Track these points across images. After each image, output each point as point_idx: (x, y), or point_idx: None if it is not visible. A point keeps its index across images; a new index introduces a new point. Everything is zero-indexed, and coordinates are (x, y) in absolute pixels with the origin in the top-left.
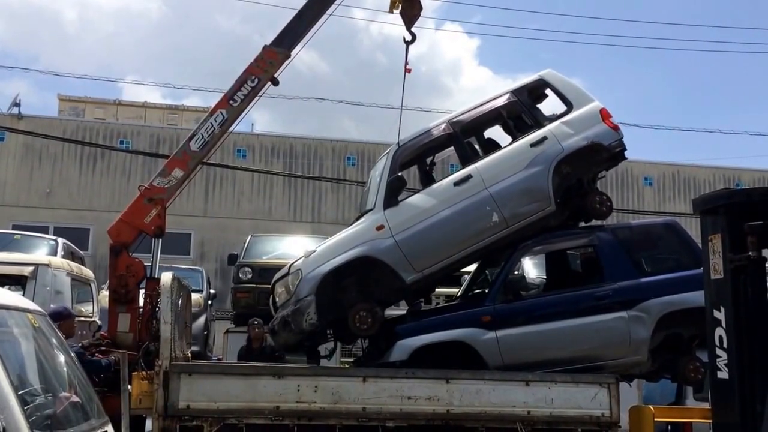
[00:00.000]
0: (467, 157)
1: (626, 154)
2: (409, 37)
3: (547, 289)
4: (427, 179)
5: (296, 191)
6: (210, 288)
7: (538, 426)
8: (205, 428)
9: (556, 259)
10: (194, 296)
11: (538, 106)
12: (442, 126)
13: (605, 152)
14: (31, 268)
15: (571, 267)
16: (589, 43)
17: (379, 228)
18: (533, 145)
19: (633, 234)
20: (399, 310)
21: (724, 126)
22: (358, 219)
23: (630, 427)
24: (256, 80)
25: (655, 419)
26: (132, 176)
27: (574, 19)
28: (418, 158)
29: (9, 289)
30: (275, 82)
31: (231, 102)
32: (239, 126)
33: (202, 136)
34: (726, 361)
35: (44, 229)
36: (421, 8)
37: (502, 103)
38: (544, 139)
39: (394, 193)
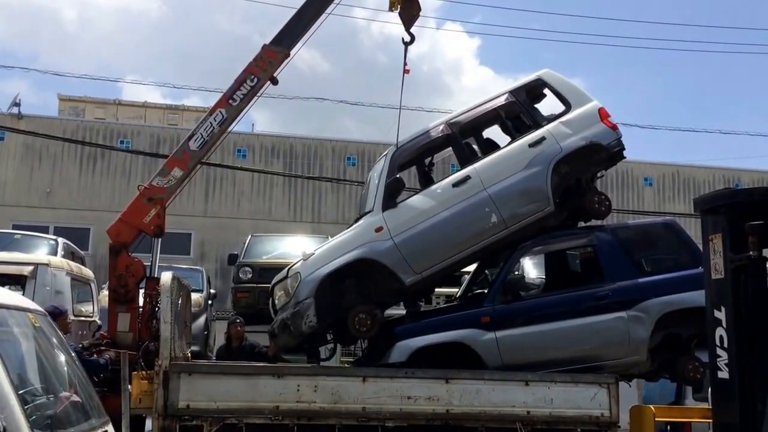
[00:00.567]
0: (466, 158)
1: (626, 154)
2: (408, 38)
3: (547, 289)
4: (426, 180)
5: (296, 191)
6: (210, 288)
7: (537, 426)
8: (204, 428)
9: (556, 260)
10: (194, 296)
11: (536, 106)
12: (441, 127)
13: (604, 152)
14: (30, 268)
15: (570, 267)
16: (590, 43)
17: (378, 230)
18: (532, 145)
19: (632, 234)
20: (399, 310)
21: (724, 126)
22: (356, 221)
23: (630, 427)
24: (256, 80)
25: (656, 419)
26: (132, 176)
27: (576, 19)
28: (417, 159)
29: (9, 288)
30: (275, 82)
31: (230, 101)
32: (239, 126)
33: (202, 136)
34: (726, 361)
35: (44, 229)
36: (420, 9)
37: (500, 104)
38: (542, 139)
39: (392, 195)
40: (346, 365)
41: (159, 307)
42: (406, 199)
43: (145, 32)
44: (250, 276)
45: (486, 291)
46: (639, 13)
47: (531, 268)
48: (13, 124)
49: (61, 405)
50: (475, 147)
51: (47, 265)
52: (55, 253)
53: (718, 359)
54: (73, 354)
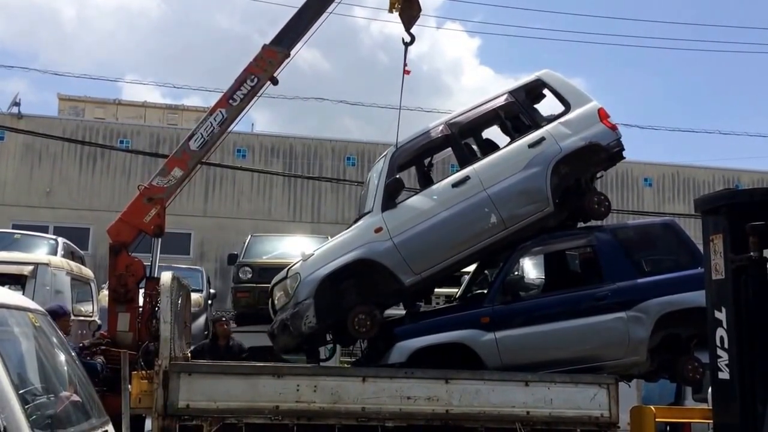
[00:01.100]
0: (465, 158)
1: (625, 154)
2: (408, 39)
3: (546, 290)
4: (426, 181)
5: (296, 191)
6: (210, 288)
7: (537, 426)
8: (204, 428)
9: (555, 260)
10: (194, 296)
11: (535, 106)
12: (440, 127)
13: (603, 152)
14: (30, 268)
15: (569, 267)
16: (590, 42)
17: (378, 230)
18: (531, 145)
19: (632, 234)
20: (398, 311)
21: (724, 127)
22: (356, 221)
23: (631, 427)
24: (256, 79)
25: (656, 419)
26: (132, 176)
27: (576, 19)
28: (416, 160)
29: (9, 288)
30: (275, 82)
31: (230, 101)
32: (239, 126)
33: (202, 136)
34: (727, 362)
35: (44, 229)
36: (420, 9)
37: (499, 104)
38: (542, 139)
39: (391, 196)
40: (346, 365)
41: (159, 307)
42: (405, 200)
43: (145, 31)
44: (249, 276)
45: (485, 291)
46: (639, 13)
47: (530, 269)
48: (13, 124)
49: (62, 404)
50: (475, 147)
51: (47, 264)
52: (55, 253)
53: (719, 360)
54: (73, 354)
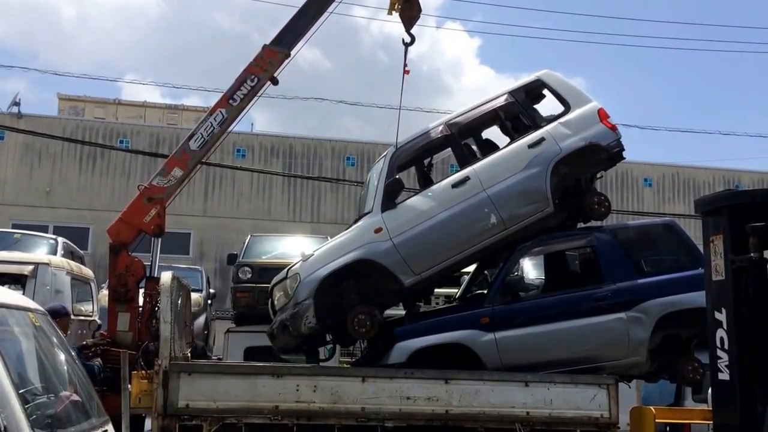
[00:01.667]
0: (465, 158)
1: (625, 154)
2: (408, 39)
3: (546, 290)
4: (426, 181)
5: (296, 191)
6: (210, 288)
7: (537, 427)
8: (204, 427)
9: (555, 260)
10: (194, 296)
11: (535, 106)
12: (440, 128)
13: (603, 153)
14: (30, 267)
15: (569, 268)
16: (590, 42)
17: (377, 231)
18: (531, 146)
19: (632, 235)
20: (398, 311)
21: (724, 127)
22: (356, 221)
23: (630, 428)
24: (256, 79)
25: (656, 420)
26: (132, 176)
27: (576, 18)
28: (416, 160)
29: (9, 288)
30: (275, 82)
31: (230, 101)
32: (239, 126)
33: (202, 136)
34: (727, 363)
35: (44, 229)
36: (420, 9)
37: (499, 104)
38: (541, 140)
39: (391, 196)
40: (346, 365)
41: (159, 307)
42: (405, 200)
43: (145, 31)
44: (249, 276)
45: (485, 292)
46: (639, 13)
47: (530, 269)
48: (13, 124)
49: (62, 404)
50: (475, 148)
51: (47, 264)
52: (55, 253)
53: (719, 361)
54: (73, 353)
